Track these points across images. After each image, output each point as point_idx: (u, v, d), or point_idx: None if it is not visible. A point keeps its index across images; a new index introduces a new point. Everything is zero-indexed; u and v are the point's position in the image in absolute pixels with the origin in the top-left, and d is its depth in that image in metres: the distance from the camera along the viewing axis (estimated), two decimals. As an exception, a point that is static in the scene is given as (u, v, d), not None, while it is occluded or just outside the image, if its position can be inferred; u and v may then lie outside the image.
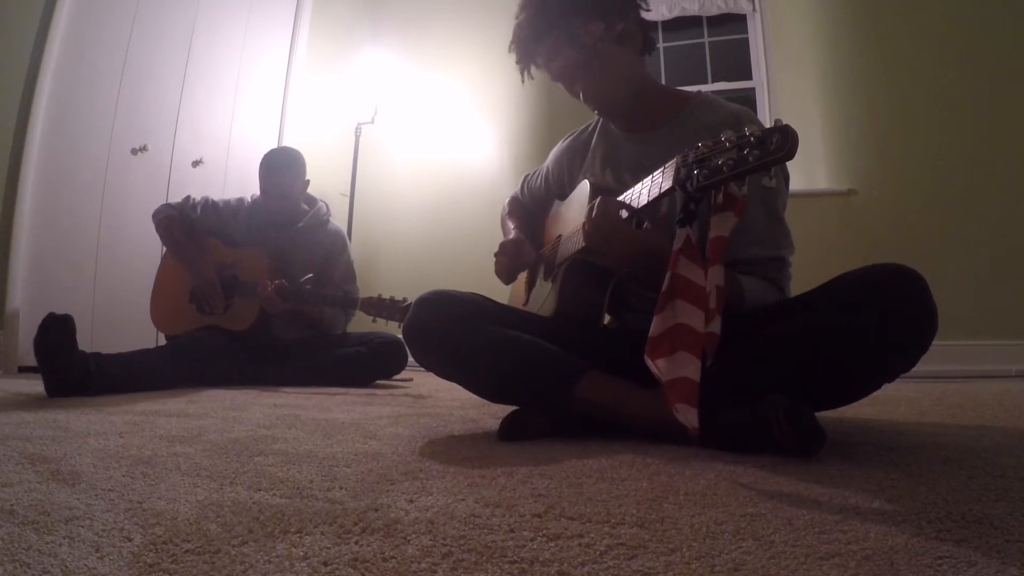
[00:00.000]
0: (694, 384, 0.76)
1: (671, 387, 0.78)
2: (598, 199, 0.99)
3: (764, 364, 0.92)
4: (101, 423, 1.14)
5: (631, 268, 1.03)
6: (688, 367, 0.77)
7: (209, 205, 2.26)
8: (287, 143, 3.26)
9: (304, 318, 2.22)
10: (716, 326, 0.78)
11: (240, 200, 2.32)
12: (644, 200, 0.92)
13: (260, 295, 2.08)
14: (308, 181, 2.33)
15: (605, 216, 0.96)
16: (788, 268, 1.11)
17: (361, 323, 2.50)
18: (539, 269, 1.35)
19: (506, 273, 1.31)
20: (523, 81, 1.21)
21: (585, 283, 1.14)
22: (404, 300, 2.09)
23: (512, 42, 1.17)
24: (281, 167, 2.23)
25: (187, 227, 2.21)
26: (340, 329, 2.33)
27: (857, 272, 0.91)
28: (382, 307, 2.09)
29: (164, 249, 2.31)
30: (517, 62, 1.18)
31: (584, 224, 1.00)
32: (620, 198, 1.00)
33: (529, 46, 1.15)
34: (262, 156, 2.26)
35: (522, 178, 1.52)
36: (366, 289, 2.45)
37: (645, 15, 1.17)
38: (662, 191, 0.88)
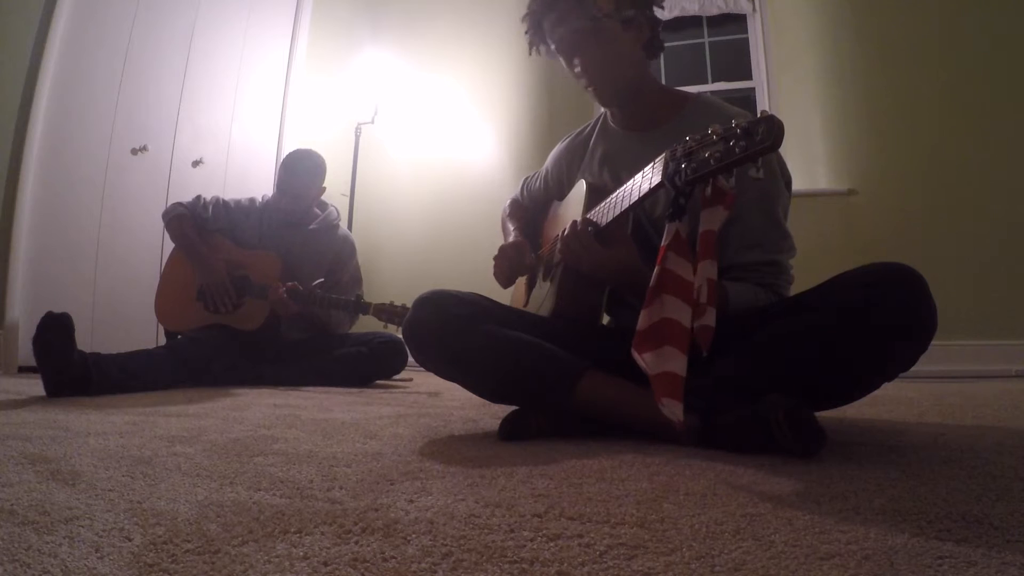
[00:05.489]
0: (679, 378, 0.77)
1: (657, 381, 0.78)
2: (570, 222, 1.06)
3: (764, 364, 0.92)
4: (101, 423, 1.14)
5: (605, 279, 1.09)
6: (674, 361, 0.77)
7: (220, 205, 2.25)
8: (287, 143, 3.26)
9: (310, 319, 2.22)
10: (711, 319, 0.78)
11: (252, 200, 2.32)
12: (635, 197, 0.94)
13: (272, 298, 2.08)
14: (324, 188, 2.34)
15: (574, 235, 1.03)
16: (787, 272, 1.10)
17: (362, 323, 2.50)
18: (539, 269, 1.35)
19: (505, 277, 1.31)
20: (530, 54, 1.23)
21: (582, 283, 1.15)
22: None
23: (526, 12, 1.19)
24: (301, 170, 2.26)
25: (198, 226, 2.20)
26: (344, 330, 2.33)
27: (857, 271, 0.91)
28: (394, 313, 2.11)
29: (171, 247, 2.30)
30: (527, 31, 1.20)
31: (558, 243, 1.05)
32: (605, 202, 1.04)
33: (542, 9, 1.16)
34: (287, 154, 2.30)
35: (522, 180, 1.53)
36: (366, 288, 2.45)
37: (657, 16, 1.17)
38: (652, 186, 0.88)
